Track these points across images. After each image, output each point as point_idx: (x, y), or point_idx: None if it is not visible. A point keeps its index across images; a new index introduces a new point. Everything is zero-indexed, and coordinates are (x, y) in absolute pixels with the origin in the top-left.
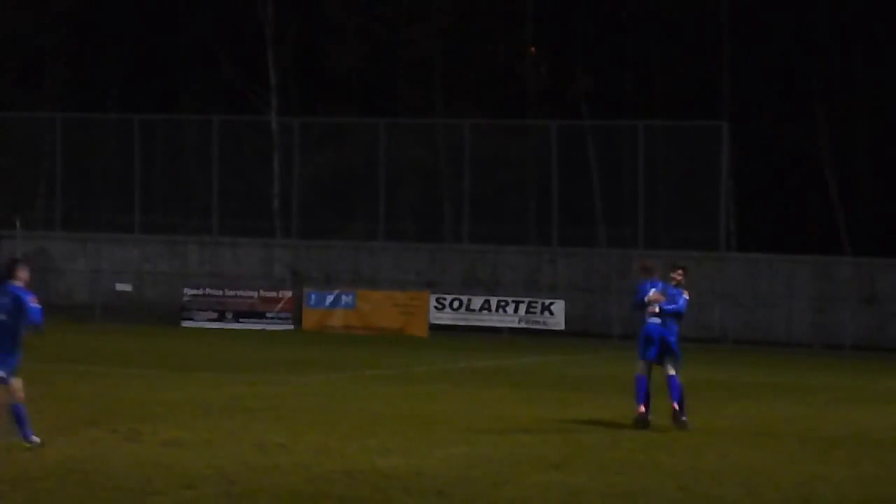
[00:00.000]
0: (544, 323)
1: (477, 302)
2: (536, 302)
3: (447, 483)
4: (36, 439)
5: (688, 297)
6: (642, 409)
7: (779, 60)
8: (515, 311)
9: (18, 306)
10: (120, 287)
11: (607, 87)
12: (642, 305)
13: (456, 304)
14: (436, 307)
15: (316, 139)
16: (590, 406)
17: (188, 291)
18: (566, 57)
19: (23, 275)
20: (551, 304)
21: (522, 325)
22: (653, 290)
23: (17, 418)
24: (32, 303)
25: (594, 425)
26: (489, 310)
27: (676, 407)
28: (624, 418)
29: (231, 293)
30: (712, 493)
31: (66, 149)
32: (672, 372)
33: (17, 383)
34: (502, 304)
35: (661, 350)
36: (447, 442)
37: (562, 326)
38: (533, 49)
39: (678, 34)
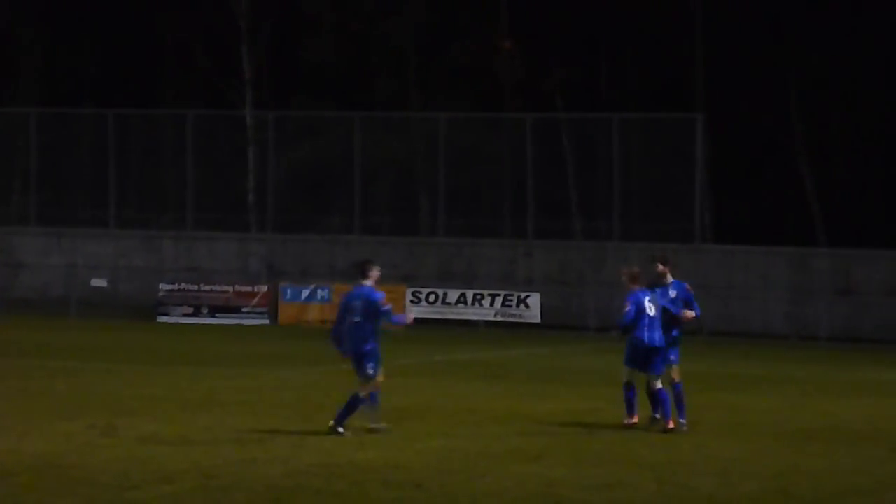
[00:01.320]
0: (520, 316)
1: (453, 295)
2: (512, 295)
3: (425, 476)
4: (341, 430)
5: (689, 286)
6: (634, 419)
7: (752, 52)
8: (491, 304)
9: (371, 309)
10: (95, 282)
11: (582, 79)
12: (630, 325)
13: (432, 297)
14: (412, 301)
15: (291, 133)
16: (566, 398)
17: (164, 286)
18: (541, 50)
19: (374, 274)
20: (527, 297)
21: (499, 318)
22: (682, 311)
23: (350, 409)
24: (384, 305)
25: (571, 417)
26: (465, 303)
27: (658, 417)
28: (600, 410)
29: (206, 288)
30: (689, 484)
31: (40, 144)
32: (659, 385)
33: (379, 378)
34: (478, 297)
35: (653, 361)
36: (425, 435)
37: (538, 319)
38: (508, 45)
39: (652, 26)
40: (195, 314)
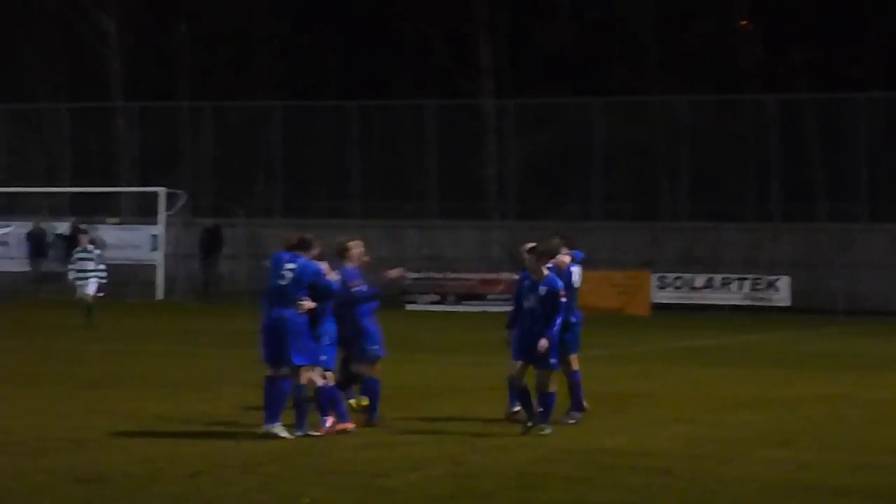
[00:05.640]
0: (769, 299)
1: (700, 280)
2: (761, 279)
3: (673, 462)
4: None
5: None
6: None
7: None
8: (739, 288)
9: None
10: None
11: (825, 59)
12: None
13: (679, 282)
14: (658, 286)
15: (530, 120)
16: (814, 382)
17: (409, 275)
18: (781, 29)
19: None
20: (776, 280)
21: (747, 302)
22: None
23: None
24: (563, 298)
25: (819, 401)
26: (711, 287)
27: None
28: (848, 394)
29: (451, 276)
30: None
31: (284, 136)
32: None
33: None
34: (726, 281)
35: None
36: (671, 421)
37: (788, 302)
38: (745, 23)
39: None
40: (441, 302)
